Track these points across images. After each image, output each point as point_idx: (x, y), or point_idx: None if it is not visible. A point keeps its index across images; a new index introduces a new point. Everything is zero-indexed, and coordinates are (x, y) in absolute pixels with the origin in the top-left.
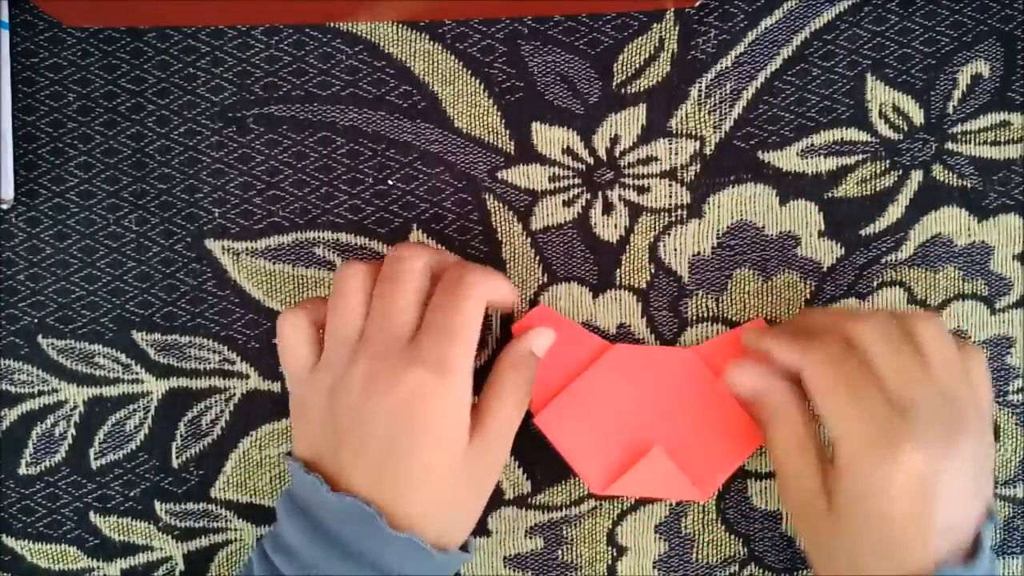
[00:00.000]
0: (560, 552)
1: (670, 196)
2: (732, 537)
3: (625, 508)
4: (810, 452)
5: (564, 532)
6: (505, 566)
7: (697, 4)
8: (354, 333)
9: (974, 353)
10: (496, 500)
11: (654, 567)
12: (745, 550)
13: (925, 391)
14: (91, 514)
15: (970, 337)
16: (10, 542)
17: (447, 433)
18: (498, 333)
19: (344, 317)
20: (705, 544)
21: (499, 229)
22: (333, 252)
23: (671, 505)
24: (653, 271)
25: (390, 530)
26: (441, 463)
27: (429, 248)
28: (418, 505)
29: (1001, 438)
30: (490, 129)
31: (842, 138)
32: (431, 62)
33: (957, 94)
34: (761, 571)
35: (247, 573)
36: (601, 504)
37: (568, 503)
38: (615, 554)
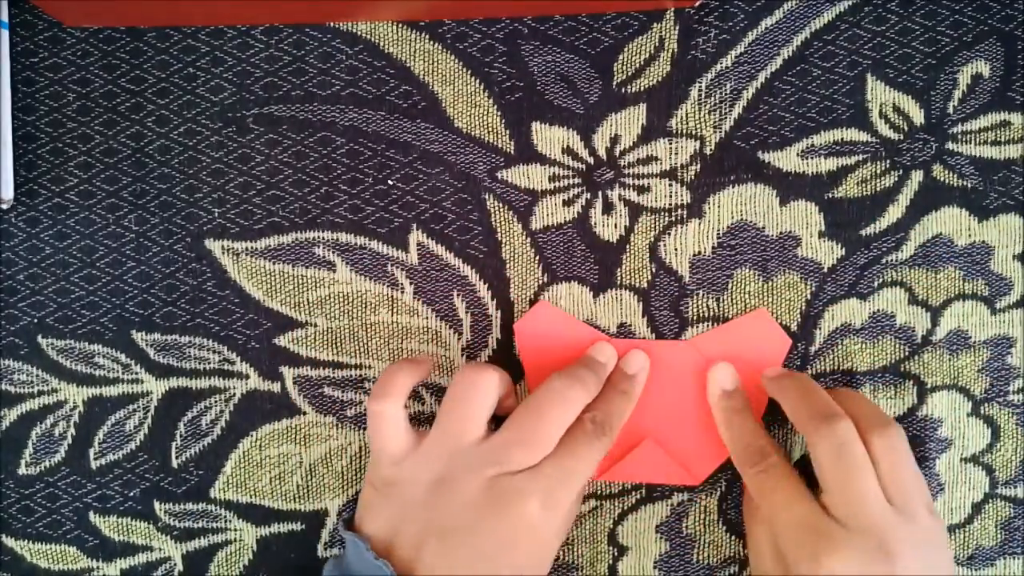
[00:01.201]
0: (562, 552)
1: (670, 196)
2: (733, 537)
3: (626, 508)
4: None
5: None
6: None
7: (697, 4)
8: (478, 440)
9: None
10: None
11: (655, 567)
12: (746, 551)
13: (869, 505)
14: (91, 514)
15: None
16: (10, 542)
17: (536, 556)
18: (498, 335)
19: (470, 425)
20: (706, 544)
21: (499, 229)
22: (333, 252)
23: (672, 505)
24: (654, 271)
25: None
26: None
27: (590, 382)
28: None
29: (1002, 438)
30: (490, 129)
31: (842, 138)
32: (431, 62)
33: (957, 94)
34: None
35: None
36: (602, 504)
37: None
38: (616, 554)
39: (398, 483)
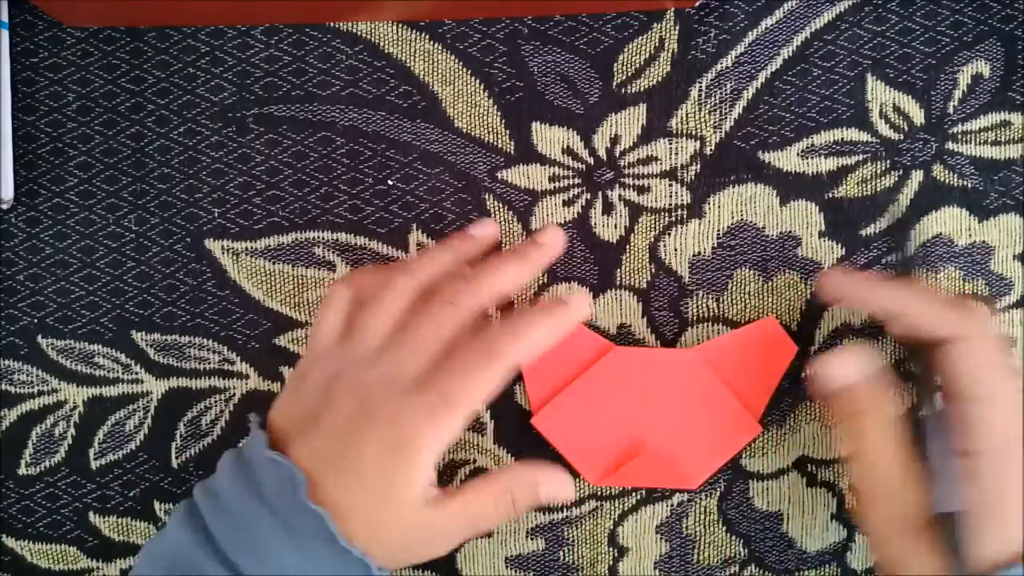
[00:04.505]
0: (562, 553)
1: (670, 196)
2: (733, 538)
3: (626, 509)
4: (908, 469)
5: (565, 533)
6: (507, 567)
7: (697, 4)
8: (381, 340)
9: None
10: None
11: (655, 568)
12: (745, 551)
13: None
14: (91, 514)
15: None
16: (10, 542)
17: (413, 479)
18: None
19: (378, 320)
20: (706, 545)
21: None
22: (333, 252)
23: (672, 506)
24: (653, 271)
25: (308, 502)
26: (396, 494)
27: (491, 286)
28: (356, 517)
29: None
30: (490, 129)
31: (842, 138)
32: (431, 62)
33: (958, 94)
34: (761, 572)
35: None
36: (602, 505)
37: (569, 503)
38: (616, 555)
39: (307, 377)
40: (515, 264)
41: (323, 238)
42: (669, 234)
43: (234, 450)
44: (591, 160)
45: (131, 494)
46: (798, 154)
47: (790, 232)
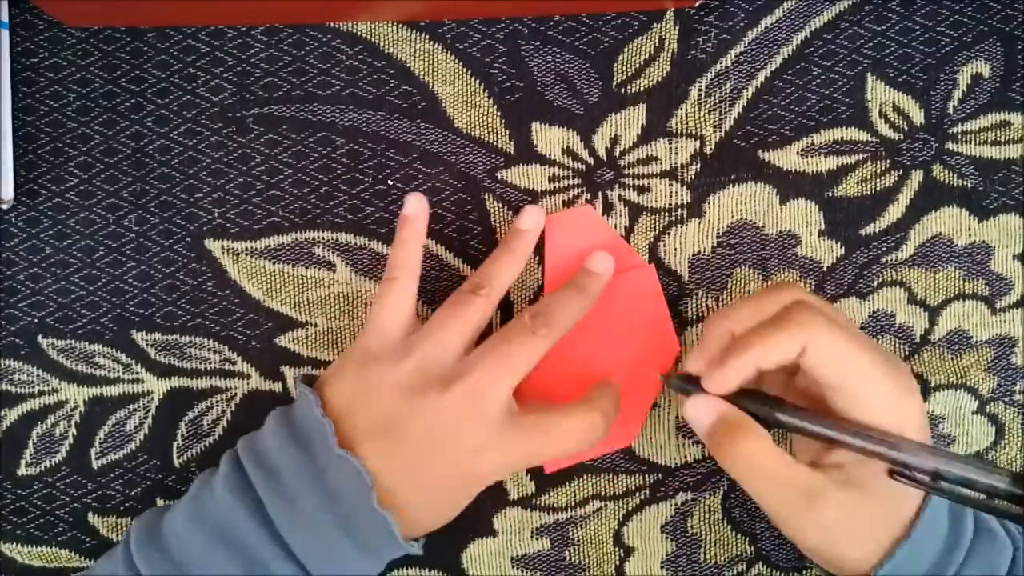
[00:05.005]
0: (568, 553)
1: (670, 196)
2: (738, 536)
3: (630, 509)
4: (789, 458)
5: (570, 533)
6: (514, 566)
7: (697, 4)
8: (456, 356)
9: None
10: (501, 500)
11: (662, 567)
12: (752, 548)
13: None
14: (89, 514)
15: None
16: (10, 544)
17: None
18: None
19: (456, 338)
20: (712, 543)
21: (499, 229)
22: (333, 252)
23: (676, 505)
24: None
25: (377, 507)
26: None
27: (500, 281)
28: (422, 522)
29: (1006, 436)
30: (490, 129)
31: (842, 137)
32: (431, 62)
33: (957, 94)
34: (768, 569)
35: (209, 479)
36: (606, 505)
37: (573, 504)
38: (622, 555)
39: (378, 361)
40: (508, 257)
41: (323, 238)
42: (669, 234)
43: (285, 417)
44: (591, 160)
45: (132, 493)
46: (798, 153)
47: (790, 231)
